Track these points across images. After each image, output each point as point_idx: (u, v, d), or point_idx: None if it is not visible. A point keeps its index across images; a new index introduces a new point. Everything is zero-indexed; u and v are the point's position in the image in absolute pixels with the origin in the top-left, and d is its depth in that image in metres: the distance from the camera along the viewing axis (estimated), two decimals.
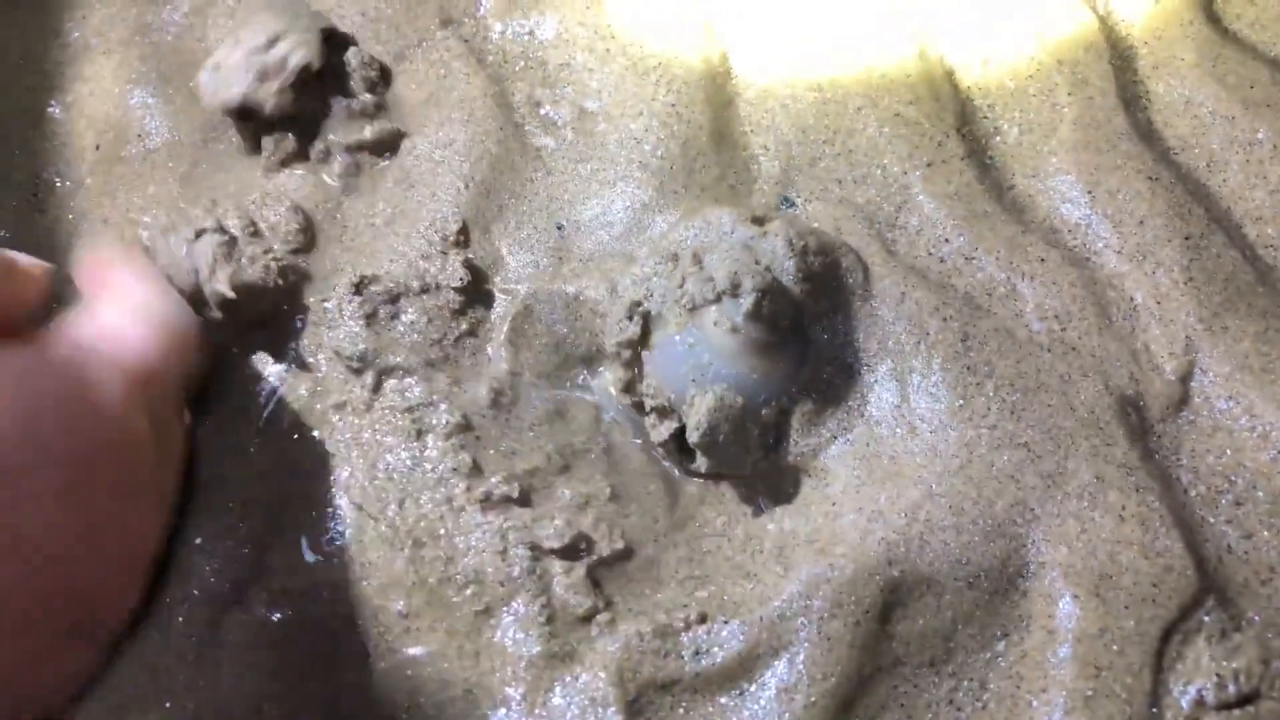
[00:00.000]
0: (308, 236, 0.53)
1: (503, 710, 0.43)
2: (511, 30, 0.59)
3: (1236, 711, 0.40)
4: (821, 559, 0.44)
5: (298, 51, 0.55)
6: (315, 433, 0.49)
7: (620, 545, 0.45)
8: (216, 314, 0.49)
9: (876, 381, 0.48)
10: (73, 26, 0.62)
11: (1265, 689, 0.40)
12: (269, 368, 0.51)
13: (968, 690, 0.42)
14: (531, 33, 0.59)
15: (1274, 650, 0.41)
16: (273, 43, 0.55)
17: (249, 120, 0.55)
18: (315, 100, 0.55)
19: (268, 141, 0.55)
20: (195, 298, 0.49)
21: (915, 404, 0.47)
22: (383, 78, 0.58)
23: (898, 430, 0.47)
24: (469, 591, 0.44)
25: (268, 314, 0.51)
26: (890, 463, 0.46)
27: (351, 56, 0.57)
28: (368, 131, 0.56)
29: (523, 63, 0.58)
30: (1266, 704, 0.40)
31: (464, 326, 0.50)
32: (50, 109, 0.59)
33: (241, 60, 0.54)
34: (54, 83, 0.60)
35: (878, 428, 0.47)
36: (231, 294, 0.49)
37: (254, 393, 0.50)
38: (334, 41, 0.57)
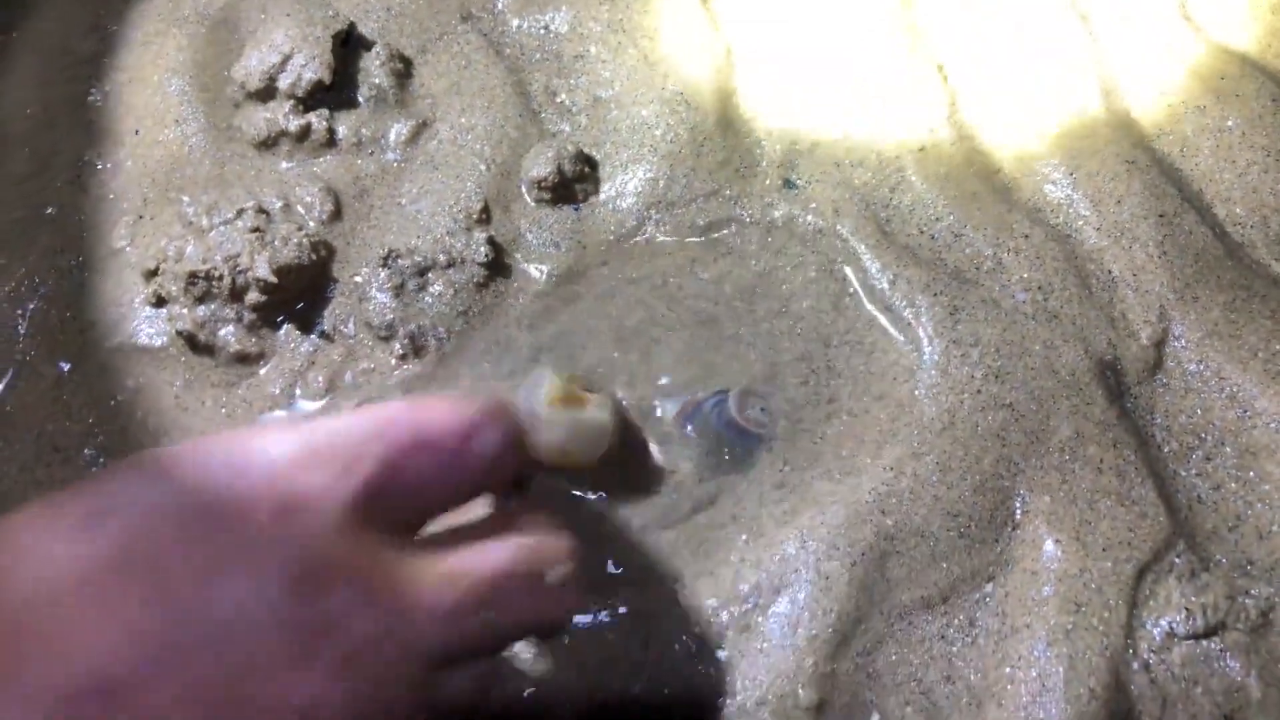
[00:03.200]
0: (337, 215, 0.57)
1: None
2: (528, 24, 0.62)
3: (1203, 641, 0.43)
4: (815, 508, 0.47)
5: (309, 68, 0.58)
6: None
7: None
8: (258, 297, 0.52)
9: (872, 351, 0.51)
10: (111, 19, 0.65)
11: (1230, 621, 0.44)
12: (301, 339, 0.54)
13: (958, 627, 0.46)
14: (547, 27, 0.62)
15: (1238, 588, 0.45)
16: (287, 59, 0.58)
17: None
18: (336, 101, 0.59)
19: (296, 133, 0.59)
20: (234, 285, 0.52)
21: (908, 370, 0.50)
22: (406, 69, 0.61)
23: (894, 395, 0.50)
24: None
25: (305, 290, 0.54)
26: (887, 424, 0.50)
27: (376, 54, 0.60)
28: (392, 120, 0.59)
29: (539, 55, 0.62)
30: (1230, 634, 0.43)
31: (487, 299, 0.54)
32: (91, 97, 0.63)
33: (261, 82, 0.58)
34: (94, 72, 0.63)
35: (875, 396, 0.50)
36: (275, 278, 0.52)
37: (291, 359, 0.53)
38: (352, 42, 0.61)
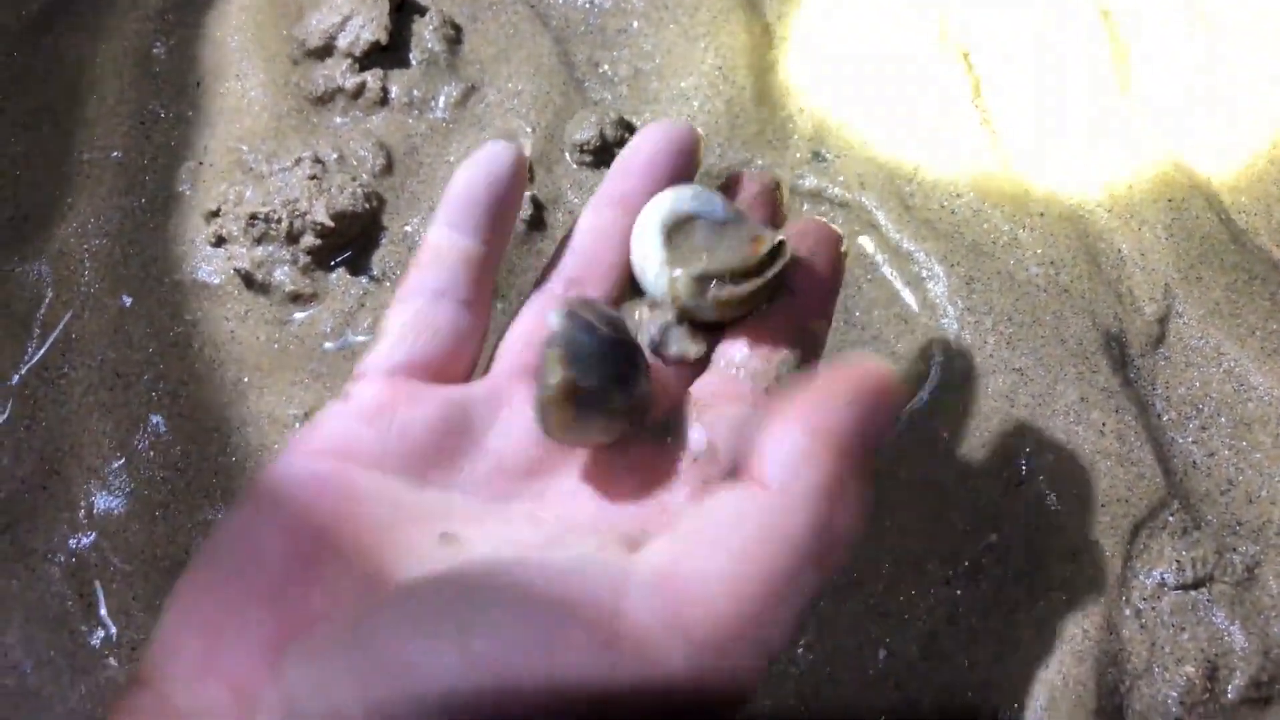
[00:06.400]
0: (389, 169, 0.60)
1: None
2: None
3: (1192, 591, 0.46)
4: None
5: (367, 30, 0.61)
6: None
7: None
8: (314, 241, 0.55)
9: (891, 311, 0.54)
10: None
11: (1218, 575, 0.47)
12: (351, 282, 0.57)
13: (962, 573, 0.49)
14: (592, 1, 0.65)
15: (1227, 545, 0.48)
16: (347, 20, 0.62)
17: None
18: (390, 61, 0.62)
19: (351, 90, 0.62)
20: (291, 228, 0.55)
21: (924, 334, 0.53)
22: (457, 35, 0.64)
23: (910, 357, 0.53)
24: None
25: (357, 236, 0.57)
26: (901, 383, 0.53)
27: (430, 19, 0.63)
28: (442, 82, 0.62)
29: (583, 27, 0.65)
30: (1217, 586, 0.46)
31: (528, 252, 0.57)
32: (156, 49, 0.66)
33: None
34: (159, 26, 0.66)
35: (892, 358, 0.54)
36: (331, 223, 0.55)
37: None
38: (407, 7, 0.64)
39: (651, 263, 0.34)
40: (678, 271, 0.33)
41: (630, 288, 0.36)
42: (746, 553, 0.25)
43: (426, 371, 0.32)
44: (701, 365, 0.34)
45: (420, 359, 0.32)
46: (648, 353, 0.34)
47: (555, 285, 0.35)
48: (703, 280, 0.32)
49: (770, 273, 0.32)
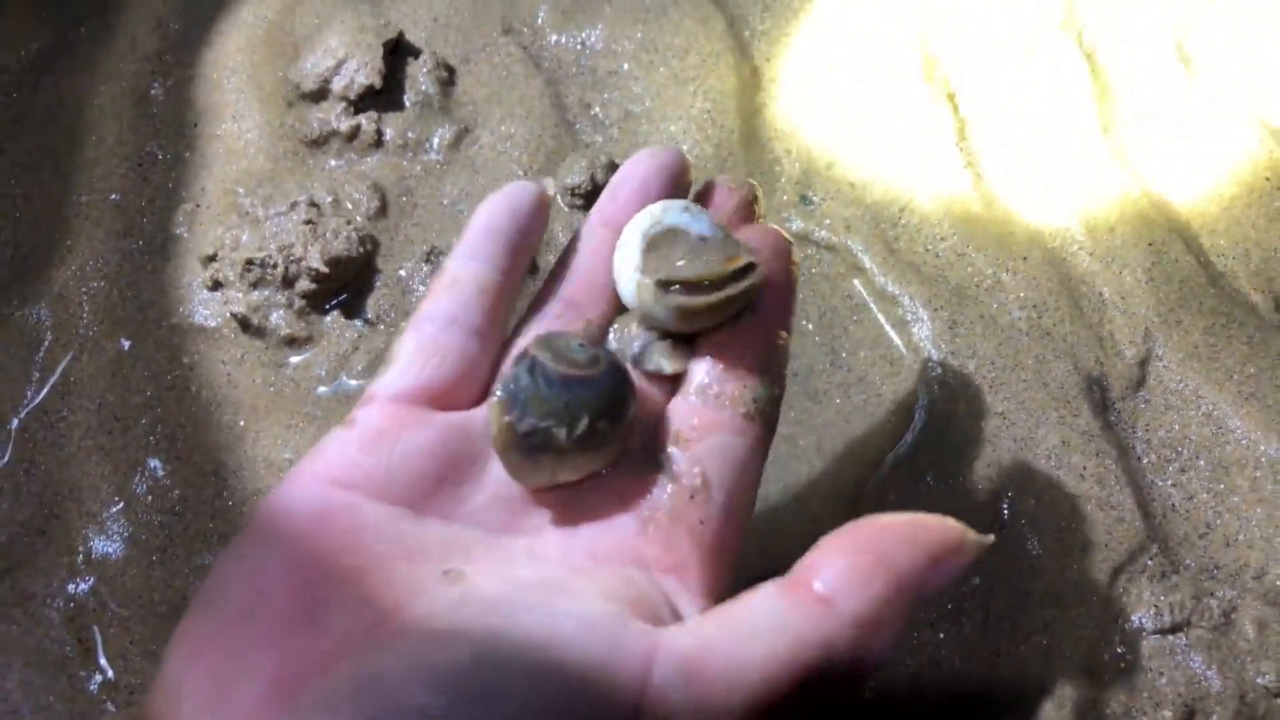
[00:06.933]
0: (383, 212, 0.61)
1: None
2: (565, 39, 0.67)
3: (1169, 636, 0.47)
4: (811, 496, 0.51)
5: (361, 73, 0.62)
6: None
7: None
8: (309, 285, 0.56)
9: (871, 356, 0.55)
10: (173, 18, 0.70)
11: (1195, 620, 0.48)
12: (346, 325, 0.58)
13: (945, 616, 0.49)
14: (583, 43, 0.66)
15: (1204, 590, 0.49)
16: (341, 63, 0.63)
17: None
18: (384, 104, 0.63)
19: (346, 133, 0.63)
20: (287, 272, 0.56)
21: (909, 377, 0.54)
22: (450, 77, 0.65)
23: (895, 399, 0.54)
24: None
25: (351, 280, 0.58)
26: (886, 426, 0.54)
27: (423, 62, 0.64)
28: (436, 124, 0.63)
29: (575, 69, 0.66)
30: (1195, 631, 0.47)
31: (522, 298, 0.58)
32: (153, 90, 0.67)
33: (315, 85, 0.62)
34: (157, 67, 0.67)
35: (876, 399, 0.55)
36: (326, 268, 0.56)
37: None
38: (401, 50, 0.65)
39: (627, 268, 0.34)
40: (645, 276, 0.33)
41: (620, 305, 0.36)
42: (781, 658, 0.25)
43: (433, 398, 0.32)
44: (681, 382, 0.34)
45: (428, 385, 0.32)
46: (631, 369, 0.34)
47: (553, 307, 0.36)
48: (664, 285, 0.32)
49: (732, 289, 0.32)
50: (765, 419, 0.33)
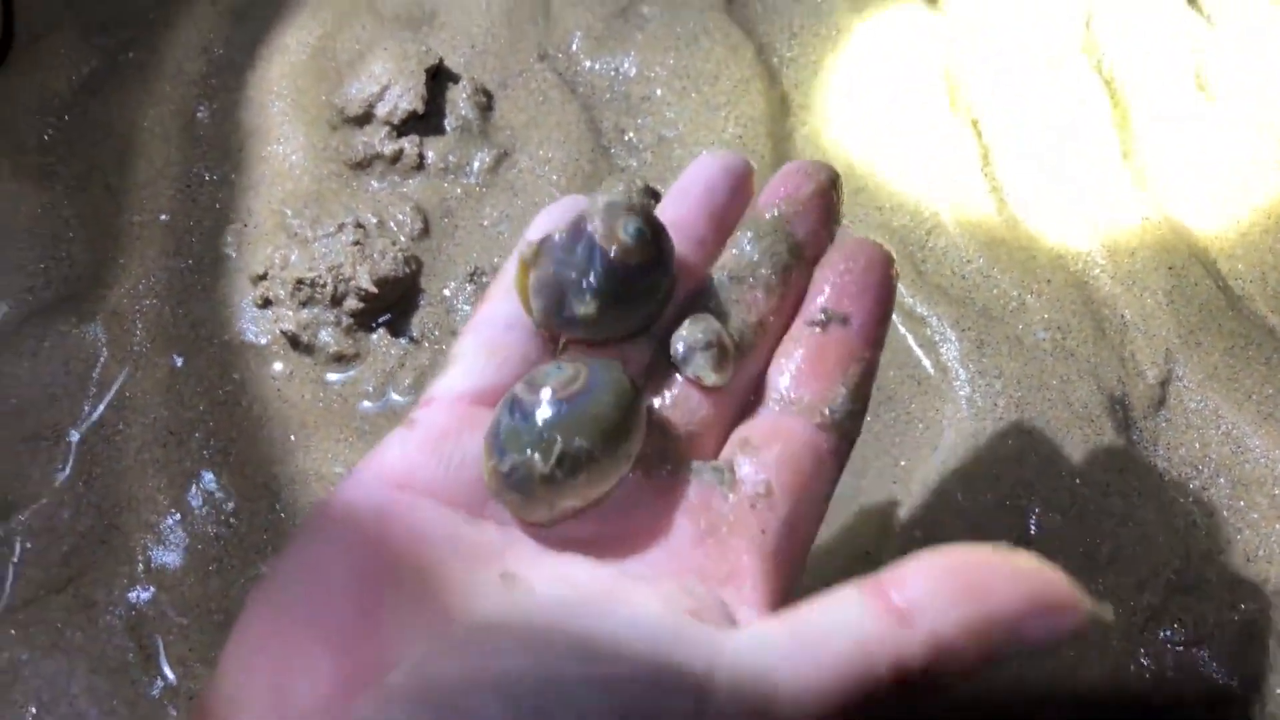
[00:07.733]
0: (426, 233, 0.63)
1: None
2: (600, 66, 0.69)
3: (1193, 649, 0.49)
4: (847, 512, 0.53)
5: (405, 99, 0.64)
6: None
7: None
8: (357, 304, 0.58)
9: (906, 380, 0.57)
10: (217, 43, 0.72)
11: (1217, 633, 0.49)
12: (392, 343, 0.60)
13: None
14: (617, 69, 0.68)
15: (1226, 604, 0.50)
16: (385, 89, 0.65)
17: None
18: (425, 128, 0.65)
19: (389, 156, 0.65)
20: (335, 292, 0.58)
21: (937, 396, 0.56)
22: (489, 102, 0.68)
23: (924, 417, 0.56)
24: None
25: (398, 299, 0.60)
26: (916, 443, 0.55)
27: (463, 87, 0.66)
28: (475, 149, 0.65)
29: (609, 95, 0.68)
30: (1216, 643, 0.49)
31: None
32: (199, 114, 0.69)
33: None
34: (203, 91, 0.70)
35: (905, 418, 0.56)
36: (375, 288, 0.58)
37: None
38: (441, 76, 0.67)
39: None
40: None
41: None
42: (846, 671, 0.24)
43: (494, 400, 0.32)
44: (724, 393, 0.33)
45: (488, 386, 0.32)
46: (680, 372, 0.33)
47: None
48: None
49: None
50: (842, 431, 0.33)
